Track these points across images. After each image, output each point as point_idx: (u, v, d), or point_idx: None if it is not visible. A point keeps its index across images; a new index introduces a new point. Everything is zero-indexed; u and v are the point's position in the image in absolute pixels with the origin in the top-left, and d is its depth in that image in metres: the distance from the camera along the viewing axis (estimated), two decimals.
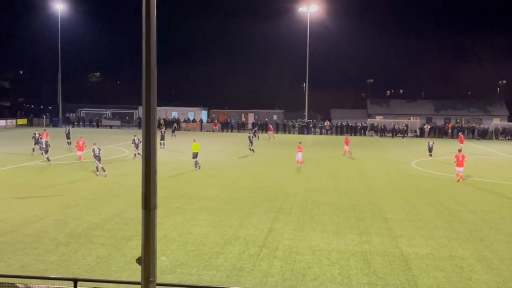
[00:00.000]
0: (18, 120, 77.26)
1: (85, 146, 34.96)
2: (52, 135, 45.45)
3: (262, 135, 63.04)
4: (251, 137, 44.29)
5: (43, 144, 33.95)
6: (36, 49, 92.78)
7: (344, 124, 73.53)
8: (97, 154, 29.08)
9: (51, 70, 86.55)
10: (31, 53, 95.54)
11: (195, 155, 32.88)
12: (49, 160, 33.06)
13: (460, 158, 29.80)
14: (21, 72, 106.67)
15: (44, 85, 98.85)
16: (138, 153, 36.26)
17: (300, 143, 37.13)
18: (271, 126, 67.33)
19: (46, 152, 33.42)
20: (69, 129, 48.10)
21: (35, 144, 37.42)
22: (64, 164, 33.90)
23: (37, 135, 36.48)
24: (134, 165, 33.25)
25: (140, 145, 35.58)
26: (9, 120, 75.36)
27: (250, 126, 76.30)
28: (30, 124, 76.91)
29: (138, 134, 37.50)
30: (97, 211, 20.08)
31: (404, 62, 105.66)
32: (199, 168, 32.49)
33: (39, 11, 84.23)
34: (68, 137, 45.56)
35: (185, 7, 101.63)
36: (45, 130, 43.76)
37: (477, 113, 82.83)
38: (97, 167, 29.41)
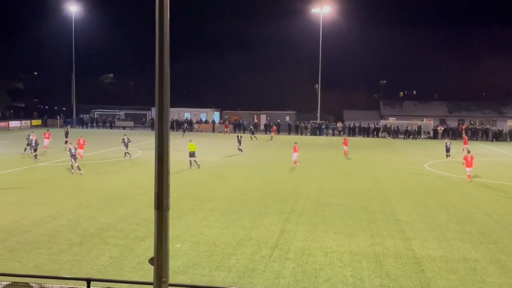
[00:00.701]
0: (32, 121, 77.91)
1: (85, 144, 36.82)
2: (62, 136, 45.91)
3: (265, 136, 63.03)
4: (239, 137, 45.30)
5: (33, 142, 35.17)
6: (50, 50, 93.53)
7: (356, 126, 73.23)
8: (73, 153, 30.08)
9: (65, 71, 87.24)
10: (45, 54, 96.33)
11: (191, 154, 33.36)
12: (36, 158, 34.60)
13: (469, 159, 30.36)
14: (35, 73, 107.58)
15: (58, 86, 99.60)
16: (128, 152, 37.87)
17: (295, 143, 37.30)
18: (274, 127, 67.59)
19: (35, 150, 34.90)
20: (68, 129, 49.01)
21: (27, 145, 37.59)
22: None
23: (30, 137, 36.74)
24: (147, 166, 33.39)
25: (129, 144, 37.87)
26: (23, 121, 76.06)
27: (262, 127, 76.34)
28: (45, 125, 77.53)
29: (127, 134, 40.26)
30: (110, 212, 20.21)
31: (417, 63, 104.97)
32: (198, 167, 33.02)
33: (53, 12, 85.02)
34: (66, 136, 45.89)
35: (198, 8, 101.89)
36: (48, 130, 44.47)
37: (491, 115, 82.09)
38: (71, 166, 30.15)
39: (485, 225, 19.37)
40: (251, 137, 60.12)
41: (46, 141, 40.76)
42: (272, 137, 63.50)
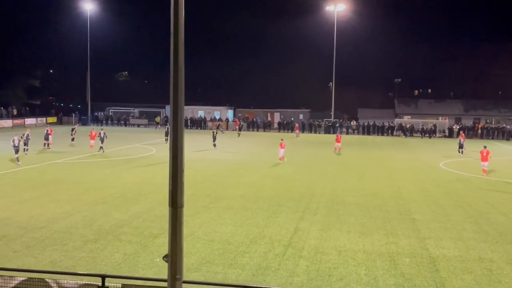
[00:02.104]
0: (48, 118, 78.61)
1: (97, 135, 40.45)
2: (79, 133, 46.30)
3: (289, 134, 62.96)
4: (214, 133, 46.15)
5: (24, 137, 35.94)
6: (66, 48, 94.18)
7: (371, 124, 72.88)
8: (16, 145, 31.31)
9: (81, 69, 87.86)
10: (61, 52, 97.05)
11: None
12: (25, 151, 35.88)
13: (485, 154, 30.94)
14: (51, 71, 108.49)
15: (74, 84, 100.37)
16: (102, 147, 39.71)
17: (282, 140, 37.33)
18: (297, 125, 68.05)
19: (25, 144, 36.02)
20: (76, 127, 50.36)
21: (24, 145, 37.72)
22: (92, 162, 34.41)
23: (26, 133, 37.36)
24: (162, 164, 33.53)
25: (105, 140, 39.65)
26: (39, 118, 76.78)
27: (276, 125, 76.27)
28: (60, 122, 78.24)
29: (104, 129, 43.41)
30: (125, 209, 20.32)
31: (432, 62, 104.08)
32: None
33: (69, 10, 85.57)
34: (72, 133, 46.54)
35: (212, 6, 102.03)
36: (49, 125, 45.26)
37: (508, 113, 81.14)
38: (17, 158, 31.49)
39: (502, 225, 19.17)
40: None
41: (49, 137, 41.21)
42: (298, 135, 64.70)
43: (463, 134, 51.66)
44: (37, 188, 24.26)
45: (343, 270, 13.77)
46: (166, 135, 46.71)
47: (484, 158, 31.04)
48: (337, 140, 45.74)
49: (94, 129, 43.87)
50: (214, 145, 45.12)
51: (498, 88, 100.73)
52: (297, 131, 66.68)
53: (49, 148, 40.96)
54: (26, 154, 35.72)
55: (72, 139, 45.50)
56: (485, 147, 32.36)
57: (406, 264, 14.30)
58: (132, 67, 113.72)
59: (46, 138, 41.38)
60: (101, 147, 39.68)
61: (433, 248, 15.86)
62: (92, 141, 40.53)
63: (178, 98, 6.46)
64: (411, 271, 13.76)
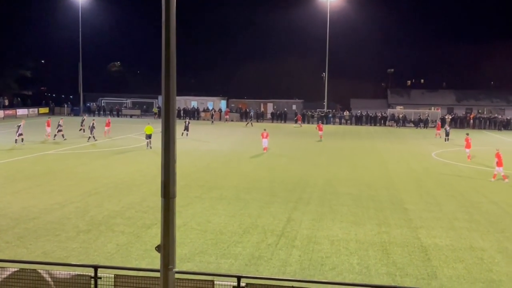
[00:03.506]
0: (40, 109, 78.13)
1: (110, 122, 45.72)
2: (72, 125, 46.09)
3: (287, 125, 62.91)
4: (187, 123, 47.08)
5: (19, 129, 36.61)
6: (58, 38, 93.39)
7: (363, 114, 73.00)
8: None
9: (73, 60, 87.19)
10: (53, 42, 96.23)
11: (147, 136, 36.57)
12: (21, 141, 36.56)
13: (469, 141, 34.22)
14: (42, 61, 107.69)
15: (66, 74, 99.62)
16: (93, 137, 40.42)
17: (264, 129, 37.37)
18: (299, 115, 68.73)
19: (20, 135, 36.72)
20: (84, 119, 49.65)
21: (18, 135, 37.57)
22: (85, 153, 34.30)
23: (22, 124, 37.43)
24: (155, 154, 33.47)
25: (94, 130, 40.17)
26: (31, 109, 76.32)
27: (269, 116, 76.22)
28: (52, 113, 77.71)
29: (96, 119, 45.32)
30: (118, 199, 20.31)
31: (425, 52, 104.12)
32: (150, 148, 35.97)
33: (61, 0, 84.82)
34: (81, 125, 46.74)
35: None
36: (49, 117, 44.90)
37: (500, 103, 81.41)
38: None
39: (493, 214, 19.32)
40: (251, 124, 63.00)
41: (48, 129, 40.93)
42: (301, 125, 64.99)
43: (440, 124, 56.15)
44: (29, 179, 24.17)
45: (335, 259, 13.84)
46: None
47: (468, 145, 33.79)
48: (319, 129, 48.44)
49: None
50: (182, 134, 44.91)
51: (490, 79, 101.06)
52: (299, 121, 66.63)
53: (64, 139, 40.64)
54: (23, 144, 36.19)
55: (83, 130, 45.52)
56: (467, 134, 35.39)
57: (398, 253, 14.39)
58: (124, 57, 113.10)
59: (59, 130, 41.03)
60: (90, 137, 40.09)
61: (425, 237, 15.97)
62: (106, 128, 44.12)
63: (170, 88, 6.44)
64: (403, 260, 13.86)
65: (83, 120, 47.83)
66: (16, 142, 36.37)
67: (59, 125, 41.20)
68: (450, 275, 12.86)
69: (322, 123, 61.52)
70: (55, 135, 40.92)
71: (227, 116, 72.80)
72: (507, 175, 26.89)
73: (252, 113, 70.82)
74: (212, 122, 67.62)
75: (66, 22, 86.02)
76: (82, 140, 40.33)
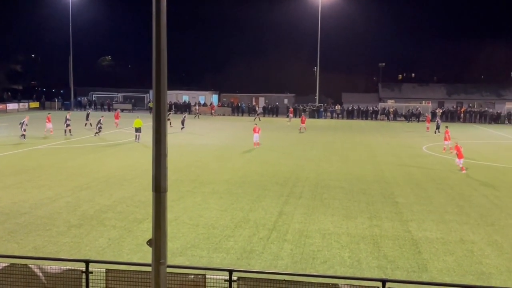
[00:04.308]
0: (30, 103, 77.65)
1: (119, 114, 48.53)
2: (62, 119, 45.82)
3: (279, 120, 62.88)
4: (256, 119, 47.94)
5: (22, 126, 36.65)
6: (48, 32, 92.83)
7: (355, 108, 73.15)
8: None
9: (63, 54, 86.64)
10: (43, 36, 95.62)
11: (137, 130, 37.11)
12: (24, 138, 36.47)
13: (448, 134, 35.51)
14: (32, 55, 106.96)
15: (56, 68, 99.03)
16: (98, 132, 40.72)
17: (255, 124, 37.09)
18: (291, 109, 67.41)
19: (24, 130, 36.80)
20: (89, 113, 50.98)
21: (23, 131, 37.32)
22: (76, 147, 34.17)
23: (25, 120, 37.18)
24: (146, 148, 33.39)
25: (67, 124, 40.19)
26: (21, 103, 75.82)
27: (260, 110, 76.18)
28: (42, 107, 77.29)
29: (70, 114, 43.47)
30: (109, 194, 20.25)
31: (416, 46, 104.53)
32: (138, 141, 36.63)
33: None
34: (87, 119, 47.55)
35: None
36: (49, 113, 44.47)
37: (490, 97, 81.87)
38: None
39: (483, 207, 19.46)
40: (259, 119, 62.49)
41: (49, 125, 40.18)
42: (290, 119, 62.46)
43: (429, 117, 57.84)
44: (19, 174, 24.04)
45: (327, 253, 13.90)
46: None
47: (447, 138, 35.32)
48: (302, 122, 50.10)
49: (119, 110, 53.66)
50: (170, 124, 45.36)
51: (480, 73, 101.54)
52: (290, 115, 64.58)
53: (71, 134, 40.41)
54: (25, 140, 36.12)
55: (89, 125, 46.12)
56: (446, 127, 37.13)
57: (389, 247, 14.47)
58: (115, 51, 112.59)
59: (67, 125, 40.64)
60: (97, 133, 40.47)
61: (415, 231, 16.07)
62: (116, 120, 47.10)
63: (161, 82, 6.41)
64: (394, 253, 13.94)
65: (88, 114, 48.68)
66: (24, 138, 36.24)
67: (66, 119, 40.55)
68: (440, 268, 12.96)
69: (313, 117, 61.35)
70: (65, 130, 40.35)
71: (213, 111, 72.58)
72: (466, 167, 27.68)
73: (259, 109, 70.28)
74: (197, 116, 65.33)
75: (57, 16, 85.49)
76: (75, 134, 40.07)
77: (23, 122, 36.65)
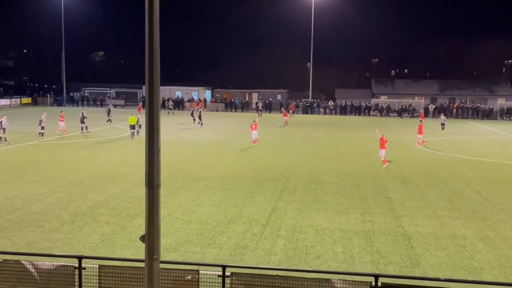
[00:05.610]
0: (22, 99, 77.21)
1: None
2: (56, 116, 45.57)
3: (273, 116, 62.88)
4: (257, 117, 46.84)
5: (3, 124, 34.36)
6: (39, 28, 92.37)
7: (348, 104, 73.26)
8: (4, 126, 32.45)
9: (56, 49, 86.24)
10: (35, 32, 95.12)
11: (131, 127, 36.99)
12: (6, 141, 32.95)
13: (422, 128, 36.74)
14: (24, 51, 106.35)
15: (48, 64, 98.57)
16: (86, 127, 40.13)
17: (254, 121, 36.19)
18: (292, 105, 68.00)
19: (42, 128, 36.14)
20: (109, 108, 52.62)
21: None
22: (68, 143, 34.04)
23: (43, 118, 36.52)
24: (139, 144, 33.31)
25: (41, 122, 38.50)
26: (13, 99, 75.39)
27: (254, 105, 76.08)
28: (35, 103, 76.89)
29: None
30: (102, 190, 20.21)
31: (409, 42, 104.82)
32: (132, 138, 36.44)
33: None
34: (108, 115, 48.92)
35: None
36: (61, 111, 44.12)
37: (482, 93, 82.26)
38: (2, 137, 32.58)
39: (475, 202, 19.57)
40: (260, 114, 62.43)
41: (62, 124, 39.22)
42: (291, 115, 62.40)
43: (422, 113, 58.58)
44: (11, 170, 23.93)
45: (320, 248, 13.94)
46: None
47: (420, 132, 36.28)
48: (284, 115, 52.09)
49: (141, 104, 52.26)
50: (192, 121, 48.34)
51: (473, 69, 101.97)
52: (291, 111, 64.09)
53: (88, 131, 39.82)
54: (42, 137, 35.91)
55: (110, 121, 47.58)
56: (421, 121, 38.25)
57: (382, 242, 14.54)
58: (108, 47, 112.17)
59: (82, 122, 39.55)
60: (84, 128, 39.84)
61: (408, 226, 16.14)
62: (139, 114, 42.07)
63: (154, 78, 6.40)
64: (387, 249, 14.00)
65: (109, 110, 50.03)
66: (42, 136, 35.77)
67: (83, 117, 39.43)
68: (432, 263, 13.03)
69: (307, 113, 61.54)
70: (82, 127, 39.61)
71: (198, 107, 71.33)
72: (388, 160, 27.99)
73: (261, 105, 69.74)
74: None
75: (49, 11, 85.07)
76: (69, 130, 39.89)
77: (42, 119, 35.82)
